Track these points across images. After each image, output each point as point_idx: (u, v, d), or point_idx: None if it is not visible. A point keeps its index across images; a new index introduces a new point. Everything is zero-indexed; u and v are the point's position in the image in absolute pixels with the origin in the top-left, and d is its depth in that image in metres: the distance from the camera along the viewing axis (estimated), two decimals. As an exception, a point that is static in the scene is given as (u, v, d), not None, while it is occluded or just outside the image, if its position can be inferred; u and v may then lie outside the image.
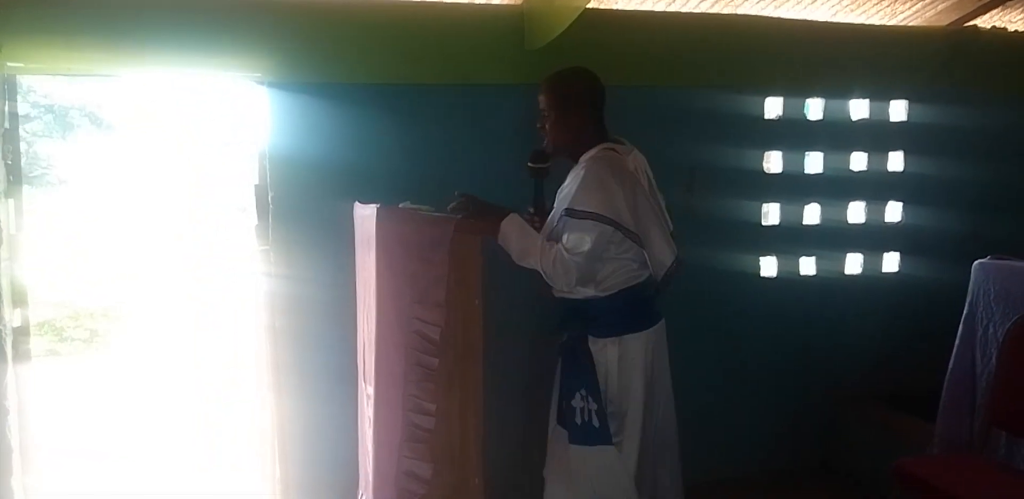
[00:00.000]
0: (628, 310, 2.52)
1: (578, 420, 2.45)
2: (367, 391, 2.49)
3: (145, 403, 5.63)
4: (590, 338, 2.47)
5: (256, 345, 3.08)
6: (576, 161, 2.50)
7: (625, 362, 2.48)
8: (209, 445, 4.54)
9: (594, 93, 2.51)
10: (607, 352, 2.47)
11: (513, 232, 2.41)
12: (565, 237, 2.37)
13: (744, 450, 3.63)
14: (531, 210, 2.55)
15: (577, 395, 2.45)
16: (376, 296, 2.29)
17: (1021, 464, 2.81)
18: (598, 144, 2.48)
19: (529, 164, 2.52)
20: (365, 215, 2.41)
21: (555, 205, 2.49)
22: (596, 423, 2.43)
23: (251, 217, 2.97)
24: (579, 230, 2.35)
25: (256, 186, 2.91)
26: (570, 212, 2.36)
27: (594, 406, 2.42)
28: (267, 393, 3.02)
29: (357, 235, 2.60)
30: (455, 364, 2.30)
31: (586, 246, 2.34)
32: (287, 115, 2.90)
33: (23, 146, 2.73)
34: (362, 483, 2.64)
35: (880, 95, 3.68)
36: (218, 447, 4.48)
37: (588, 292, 2.47)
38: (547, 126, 2.50)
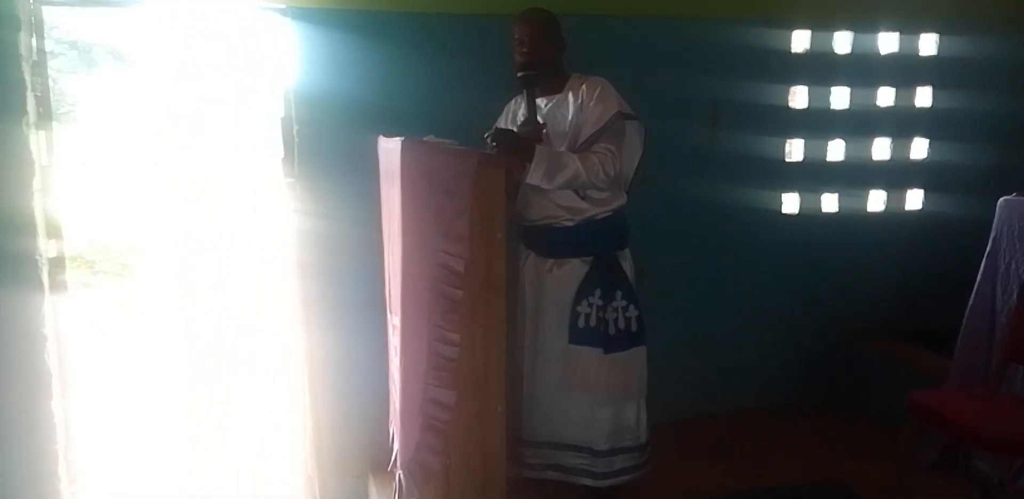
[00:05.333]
0: (627, 222, 2.81)
1: (612, 331, 2.71)
2: (393, 322, 2.55)
3: (176, 335, 5.77)
4: (618, 252, 2.75)
5: (283, 279, 3.14)
6: (554, 82, 2.71)
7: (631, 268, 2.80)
8: (240, 377, 4.67)
9: None
10: (627, 262, 2.78)
11: (548, 153, 2.56)
12: (622, 137, 2.65)
13: (762, 382, 3.72)
14: (524, 118, 2.64)
15: (609, 308, 2.69)
16: (401, 229, 2.32)
17: (1036, 398, 2.86)
18: (568, 72, 2.76)
19: (520, 73, 2.61)
20: (389, 148, 2.43)
21: (574, 119, 2.65)
22: (635, 328, 2.74)
23: (276, 151, 2.99)
24: (632, 129, 2.71)
25: (282, 119, 2.92)
26: (625, 115, 2.64)
27: (635, 313, 2.74)
28: (296, 326, 3.10)
29: (381, 168, 2.62)
30: (479, 295, 2.35)
31: (638, 142, 2.74)
32: (312, 47, 2.88)
33: (49, 83, 2.76)
34: (392, 412, 2.73)
35: (909, 28, 3.60)
36: (249, 380, 4.60)
37: (615, 202, 2.73)
38: (538, 49, 2.65)
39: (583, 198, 2.68)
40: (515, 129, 2.65)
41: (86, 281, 7.45)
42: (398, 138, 2.32)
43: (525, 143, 2.52)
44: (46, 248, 2.77)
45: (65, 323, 2.87)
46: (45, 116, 2.75)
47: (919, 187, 3.78)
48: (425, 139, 2.46)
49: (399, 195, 2.30)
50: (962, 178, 3.70)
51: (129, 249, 7.77)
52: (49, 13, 2.74)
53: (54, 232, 2.80)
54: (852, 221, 3.70)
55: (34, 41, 2.69)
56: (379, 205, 2.66)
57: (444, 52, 3.01)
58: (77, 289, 7.16)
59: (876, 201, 3.76)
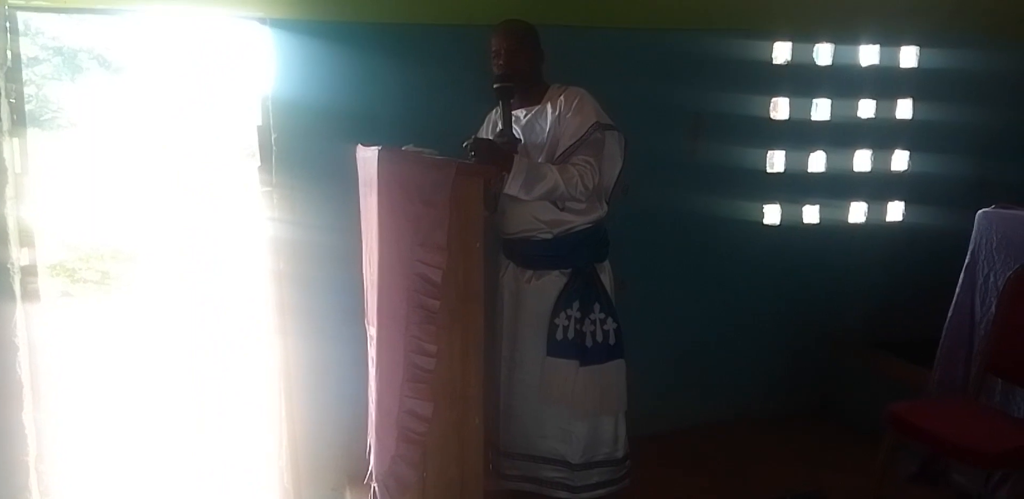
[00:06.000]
0: (607, 234, 2.80)
1: (589, 343, 2.69)
2: (370, 332, 2.53)
3: (154, 344, 5.72)
4: (597, 264, 2.73)
5: (261, 287, 3.11)
6: (532, 93, 2.71)
7: (610, 280, 2.77)
8: (216, 385, 4.63)
9: None
10: (607, 274, 2.76)
11: (527, 164, 2.55)
12: (601, 149, 2.63)
13: (743, 394, 3.71)
14: (499, 130, 2.63)
15: (587, 320, 2.68)
16: (378, 238, 2.31)
17: (1015, 411, 2.86)
18: (547, 83, 2.74)
19: (497, 85, 2.60)
20: (367, 157, 2.41)
21: (552, 131, 2.64)
22: (613, 340, 2.72)
23: (254, 159, 2.97)
24: (611, 139, 2.66)
25: (259, 127, 2.90)
26: (603, 126, 2.60)
27: (613, 326, 2.71)
28: (273, 336, 3.07)
29: (360, 177, 2.60)
30: (456, 306, 2.33)
31: (618, 153, 2.69)
32: (290, 56, 2.86)
33: (33, 89, 2.73)
34: (370, 424, 2.70)
35: (890, 41, 3.62)
36: (225, 387, 4.56)
37: (594, 214, 2.70)
38: (516, 61, 2.64)
39: (562, 209, 2.67)
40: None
41: (66, 289, 7.39)
42: (376, 147, 2.31)
43: (504, 153, 2.51)
44: (18, 256, 2.73)
45: (38, 332, 2.83)
46: (19, 123, 2.71)
47: (900, 199, 3.78)
48: (404, 148, 2.44)
49: (376, 204, 2.29)
50: (942, 190, 3.71)
51: (110, 257, 7.71)
52: (35, 20, 2.70)
53: (27, 240, 2.76)
54: (833, 232, 3.70)
55: (8, 46, 2.66)
56: (358, 214, 2.64)
57: (423, 62, 2.99)
58: (57, 297, 7.11)
59: (857, 213, 3.76)
